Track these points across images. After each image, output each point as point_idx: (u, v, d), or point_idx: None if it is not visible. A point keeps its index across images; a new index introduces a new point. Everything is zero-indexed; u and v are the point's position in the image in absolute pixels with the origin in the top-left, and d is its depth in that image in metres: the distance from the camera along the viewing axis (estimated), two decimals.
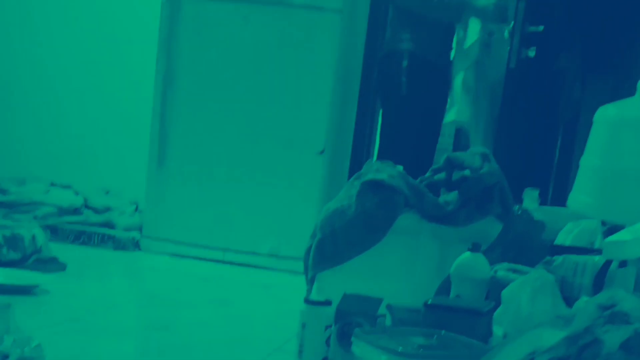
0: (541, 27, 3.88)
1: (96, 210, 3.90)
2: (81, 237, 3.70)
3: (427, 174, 2.52)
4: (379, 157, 3.34)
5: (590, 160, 2.73)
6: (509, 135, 3.89)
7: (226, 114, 3.65)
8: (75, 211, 3.84)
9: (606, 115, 2.69)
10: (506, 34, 3.90)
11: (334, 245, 2.31)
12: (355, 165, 2.96)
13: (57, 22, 4.43)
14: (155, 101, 3.73)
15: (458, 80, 3.64)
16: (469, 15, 3.62)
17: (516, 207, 2.42)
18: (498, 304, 1.91)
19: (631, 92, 2.65)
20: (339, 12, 3.55)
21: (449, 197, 2.38)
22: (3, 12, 4.49)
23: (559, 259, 2.10)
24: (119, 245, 3.69)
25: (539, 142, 4.10)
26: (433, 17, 3.51)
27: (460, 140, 4.20)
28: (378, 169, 2.37)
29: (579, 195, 2.76)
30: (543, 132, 4.11)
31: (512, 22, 3.81)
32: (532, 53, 3.88)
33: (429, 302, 1.84)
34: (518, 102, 3.94)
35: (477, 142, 3.59)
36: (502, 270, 2.08)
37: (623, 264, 2.04)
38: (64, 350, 1.99)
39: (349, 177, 2.76)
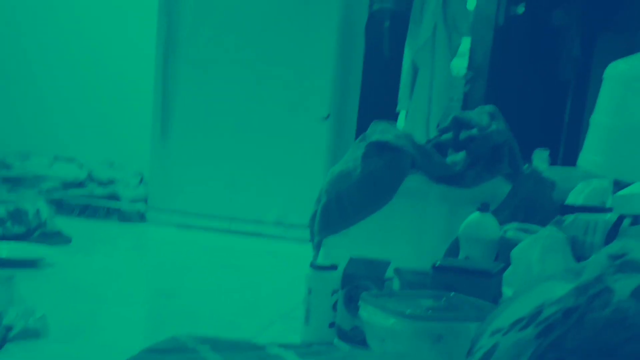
0: None
1: (101, 183, 3.88)
2: (86, 210, 3.69)
3: (434, 134, 2.48)
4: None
5: (600, 119, 2.68)
6: (506, 96, 3.85)
7: (229, 81, 3.60)
8: (80, 184, 3.83)
9: (616, 71, 2.64)
10: None
11: (339, 208, 2.27)
12: (362, 129, 2.92)
13: None
14: (157, 70, 3.69)
15: (406, 64, 3.58)
16: None
17: (525, 167, 2.37)
18: (508, 264, 1.88)
19: None
20: None
21: (457, 157, 2.34)
22: None
23: (569, 218, 2.06)
24: (125, 217, 3.67)
25: (546, 102, 4.05)
26: None
27: (469, 103, 4.17)
28: (383, 130, 2.33)
29: (590, 154, 2.72)
30: (548, 91, 4.06)
31: None
32: (521, 10, 3.81)
33: (437, 264, 1.81)
34: (511, 61, 3.88)
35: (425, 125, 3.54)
36: (511, 230, 2.05)
37: (635, 221, 2.00)
38: (68, 320, 1.97)
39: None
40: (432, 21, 3.56)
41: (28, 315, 1.84)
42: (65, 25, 4.37)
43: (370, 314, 1.56)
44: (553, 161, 3.54)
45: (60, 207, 3.66)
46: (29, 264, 2.57)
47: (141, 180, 3.96)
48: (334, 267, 1.89)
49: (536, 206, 2.30)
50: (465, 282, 1.73)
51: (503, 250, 1.98)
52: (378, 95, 3.54)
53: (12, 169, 3.87)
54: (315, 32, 3.50)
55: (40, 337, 1.81)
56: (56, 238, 2.96)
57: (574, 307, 0.92)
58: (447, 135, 2.42)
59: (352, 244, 2.24)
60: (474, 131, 2.33)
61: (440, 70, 3.57)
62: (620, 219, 2.00)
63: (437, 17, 3.57)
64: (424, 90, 3.55)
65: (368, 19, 3.53)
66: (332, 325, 1.86)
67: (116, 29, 4.29)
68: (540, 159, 3.32)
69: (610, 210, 2.21)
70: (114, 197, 3.76)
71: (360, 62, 3.73)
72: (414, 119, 3.57)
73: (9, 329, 1.79)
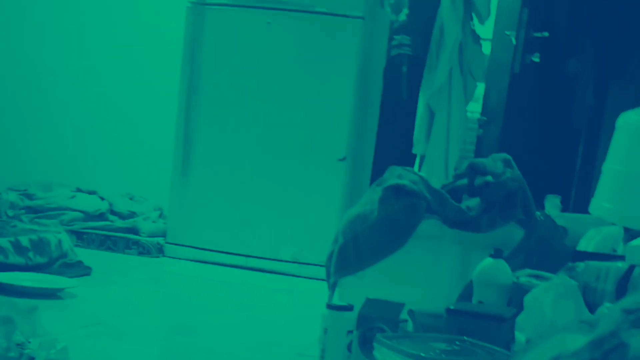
0: (546, 33, 3.88)
1: (121, 216, 3.93)
2: (106, 243, 3.73)
3: (449, 180, 2.53)
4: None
5: (612, 166, 2.71)
6: (519, 142, 3.89)
7: (249, 120, 3.67)
8: (101, 216, 3.88)
9: (629, 121, 2.68)
10: (513, 40, 3.90)
11: (356, 250, 2.31)
12: (377, 172, 2.97)
13: (84, 30, 4.49)
14: (180, 107, 3.76)
15: (420, 108, 3.62)
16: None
17: (538, 213, 2.41)
18: (520, 310, 1.90)
19: None
20: (360, 18, 3.56)
21: (471, 203, 2.38)
22: (34, 17, 4.55)
23: (581, 265, 2.10)
24: (144, 250, 3.72)
25: (559, 148, 4.09)
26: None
27: (482, 148, 4.21)
28: (400, 175, 2.38)
29: (601, 201, 2.75)
30: (561, 138, 4.10)
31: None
32: (536, 59, 3.88)
33: (451, 308, 1.84)
34: (525, 108, 3.93)
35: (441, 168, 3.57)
36: (524, 276, 2.08)
37: None
38: (88, 354, 2.01)
39: (371, 184, 2.77)
40: (448, 66, 3.62)
41: (50, 346, 1.86)
42: (90, 61, 4.46)
43: (385, 356, 1.59)
44: (564, 207, 3.56)
45: (81, 238, 3.71)
46: (50, 294, 2.62)
47: (160, 215, 4.01)
48: (349, 308, 1.92)
49: (549, 252, 2.33)
50: (478, 326, 1.76)
51: (516, 296, 2.01)
52: (394, 138, 3.60)
53: (35, 199, 3.94)
54: (334, 76, 3.57)
55: None
56: (77, 269, 3.01)
57: None
58: (462, 181, 2.46)
59: (367, 285, 2.27)
60: (489, 178, 2.38)
61: (457, 115, 3.62)
62: (631, 268, 2.03)
63: (453, 62, 3.63)
64: (441, 134, 3.59)
65: (386, 64, 3.60)
66: None
67: (141, 66, 4.36)
68: (552, 205, 3.35)
69: (621, 257, 2.24)
70: (134, 230, 3.81)
71: (378, 105, 3.79)
72: (432, 163, 3.62)
73: (31, 359, 1.82)
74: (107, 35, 4.46)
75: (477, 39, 3.71)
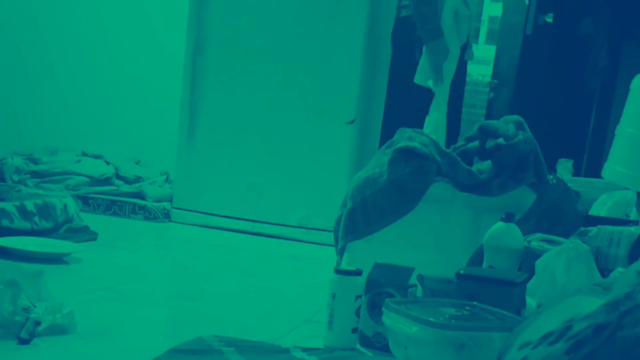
0: None
1: (127, 181, 3.92)
2: (112, 207, 3.73)
3: (460, 142, 2.49)
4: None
5: (626, 130, 2.67)
6: (531, 105, 3.84)
7: (256, 83, 3.64)
8: (106, 181, 3.87)
9: None
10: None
11: (364, 214, 2.28)
12: (387, 135, 2.92)
13: None
14: (186, 71, 3.73)
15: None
16: None
17: (550, 177, 2.38)
18: (531, 275, 1.89)
19: None
20: None
21: (482, 166, 2.35)
22: None
23: (593, 229, 2.07)
24: (150, 215, 3.71)
25: (571, 111, 4.04)
26: None
27: (493, 111, 4.17)
28: (410, 137, 2.34)
29: (614, 165, 2.72)
30: (573, 101, 4.05)
31: None
32: (549, 19, 3.81)
33: (461, 272, 1.82)
34: (537, 70, 3.87)
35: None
36: (535, 240, 2.06)
37: None
38: (95, 318, 2.00)
39: (380, 146, 2.73)
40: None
41: (56, 310, 1.85)
42: (96, 25, 4.42)
43: (394, 321, 1.57)
44: (576, 171, 3.53)
45: (87, 203, 3.71)
46: (56, 259, 2.61)
47: (167, 179, 4.00)
48: (358, 273, 1.90)
49: (560, 216, 2.30)
50: (488, 291, 1.74)
51: (527, 260, 1.99)
52: (405, 100, 3.54)
53: (40, 163, 3.93)
54: (342, 37, 3.53)
55: (67, 334, 1.82)
56: (83, 234, 3.00)
57: (604, 324, 0.93)
58: (474, 144, 2.42)
59: (376, 249, 2.25)
60: (501, 140, 2.34)
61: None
62: None
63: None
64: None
65: (395, 25, 3.53)
66: (355, 330, 1.88)
67: (146, 30, 4.33)
68: (564, 169, 3.31)
69: (634, 222, 2.21)
70: (140, 195, 3.80)
71: (387, 68, 3.73)
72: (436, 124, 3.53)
73: (37, 323, 1.81)
74: (115, 2, 4.42)
75: None
